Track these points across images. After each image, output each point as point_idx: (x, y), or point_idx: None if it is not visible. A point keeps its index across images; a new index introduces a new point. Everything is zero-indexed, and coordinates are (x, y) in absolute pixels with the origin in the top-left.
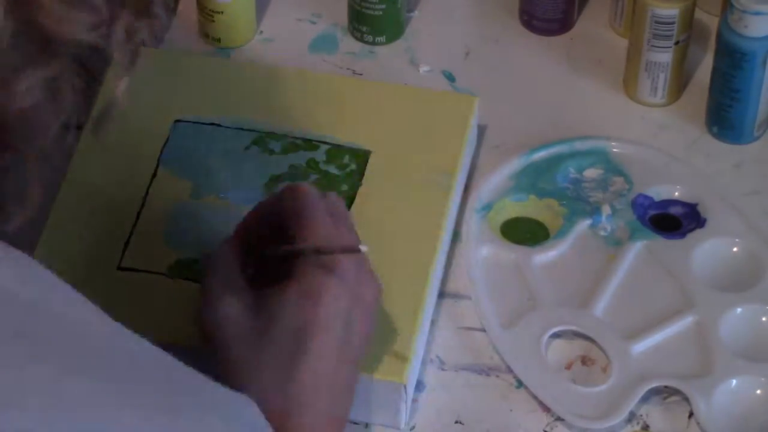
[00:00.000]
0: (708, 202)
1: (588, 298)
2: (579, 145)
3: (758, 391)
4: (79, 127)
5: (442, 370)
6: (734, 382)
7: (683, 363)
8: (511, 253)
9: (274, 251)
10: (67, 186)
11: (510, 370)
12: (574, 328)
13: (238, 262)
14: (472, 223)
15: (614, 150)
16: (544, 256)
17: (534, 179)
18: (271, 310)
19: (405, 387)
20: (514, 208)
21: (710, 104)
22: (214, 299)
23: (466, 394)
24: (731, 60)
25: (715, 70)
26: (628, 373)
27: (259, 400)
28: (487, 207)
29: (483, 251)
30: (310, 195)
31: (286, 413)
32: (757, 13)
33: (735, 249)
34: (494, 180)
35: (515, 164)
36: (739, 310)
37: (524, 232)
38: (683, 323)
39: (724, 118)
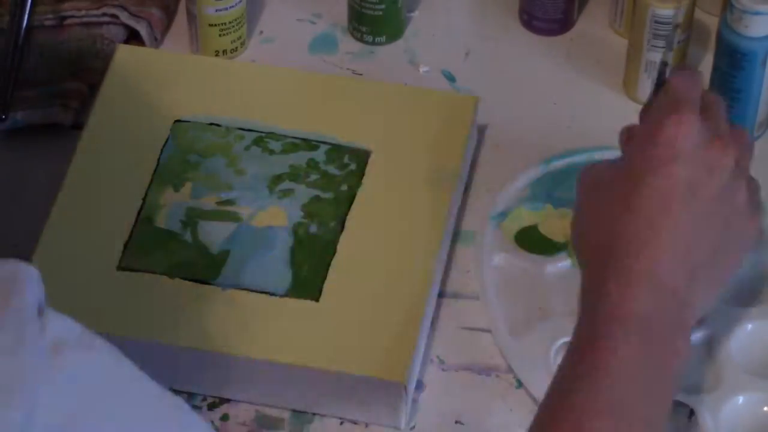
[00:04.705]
0: None
1: None
2: (597, 155)
3: (765, 408)
4: (80, 127)
5: (442, 370)
6: (741, 398)
7: (692, 377)
8: (525, 261)
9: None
10: (67, 186)
11: (510, 370)
12: None
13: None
14: (487, 230)
15: None
16: (558, 266)
17: (551, 188)
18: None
19: (405, 387)
20: (529, 216)
21: None
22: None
23: (466, 394)
24: (731, 60)
25: (715, 70)
26: None
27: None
28: (503, 215)
29: (496, 259)
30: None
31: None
32: (757, 13)
33: (749, 264)
34: (510, 188)
35: (532, 173)
36: (750, 326)
37: (538, 241)
38: (694, 337)
39: None
